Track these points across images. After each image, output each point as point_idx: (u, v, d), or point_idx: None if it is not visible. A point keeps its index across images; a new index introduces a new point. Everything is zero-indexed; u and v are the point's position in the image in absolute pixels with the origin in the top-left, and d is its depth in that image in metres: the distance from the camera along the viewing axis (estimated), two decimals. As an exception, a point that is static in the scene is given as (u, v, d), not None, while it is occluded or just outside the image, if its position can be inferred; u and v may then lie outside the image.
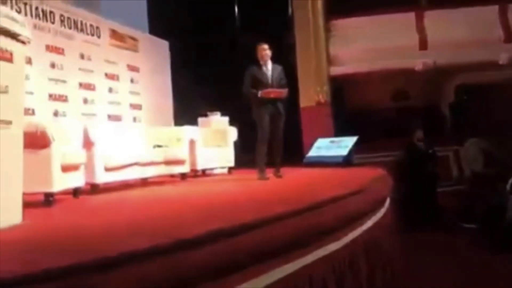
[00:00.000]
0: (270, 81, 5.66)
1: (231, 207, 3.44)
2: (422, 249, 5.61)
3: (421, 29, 8.61)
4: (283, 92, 5.68)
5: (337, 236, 3.20)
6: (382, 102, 9.23)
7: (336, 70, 8.97)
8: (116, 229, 2.62)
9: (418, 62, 8.58)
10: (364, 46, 8.60)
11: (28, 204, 3.38)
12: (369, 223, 3.92)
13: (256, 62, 5.78)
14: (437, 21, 8.44)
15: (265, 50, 5.71)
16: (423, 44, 8.57)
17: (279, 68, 5.82)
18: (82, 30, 6.69)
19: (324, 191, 4.00)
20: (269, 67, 5.73)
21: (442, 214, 7.23)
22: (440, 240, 6.33)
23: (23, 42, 2.75)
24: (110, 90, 7.11)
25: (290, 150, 7.23)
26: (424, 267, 4.91)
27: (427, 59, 8.55)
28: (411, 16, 8.65)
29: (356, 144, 7.61)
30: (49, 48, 6.05)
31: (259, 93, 5.56)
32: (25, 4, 5.71)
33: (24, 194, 2.94)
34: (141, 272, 1.86)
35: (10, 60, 2.63)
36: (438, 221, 7.03)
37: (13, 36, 2.67)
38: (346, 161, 7.37)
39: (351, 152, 7.55)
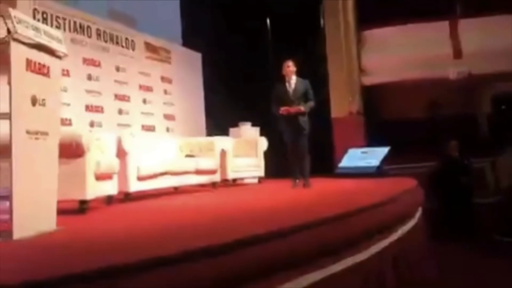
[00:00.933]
0: (291, 97, 5.89)
1: (257, 216, 3.49)
2: (455, 262, 5.48)
3: (455, 38, 8.46)
4: (301, 108, 5.84)
5: (365, 245, 3.20)
6: (415, 112, 9.09)
7: (368, 80, 8.92)
8: (148, 235, 2.72)
9: (452, 72, 8.43)
10: (397, 56, 8.52)
11: (63, 211, 3.53)
12: (398, 234, 3.90)
13: (282, 78, 6.02)
14: (472, 30, 8.28)
15: (289, 67, 5.95)
16: (458, 53, 8.41)
17: (304, 82, 5.98)
18: (117, 43, 6.92)
19: (353, 201, 4.00)
20: (292, 83, 5.94)
21: (478, 227, 7.04)
22: (474, 253, 6.17)
23: (59, 57, 2.90)
24: (144, 101, 7.30)
25: (322, 160, 7.22)
26: (456, 280, 4.80)
27: (461, 68, 8.38)
28: (445, 24, 8.51)
29: (388, 154, 7.52)
30: (86, 61, 6.28)
31: (280, 110, 5.83)
32: (64, 19, 5.97)
33: (59, 201, 3.08)
34: (172, 275, 1.94)
35: (47, 74, 2.77)
36: (473, 234, 6.84)
37: (51, 51, 2.81)
38: (378, 172, 7.30)
39: (383, 162, 7.48)
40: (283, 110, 5.81)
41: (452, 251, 6.11)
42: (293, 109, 5.81)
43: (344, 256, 2.94)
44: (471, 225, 7.05)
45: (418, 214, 4.96)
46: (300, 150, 5.84)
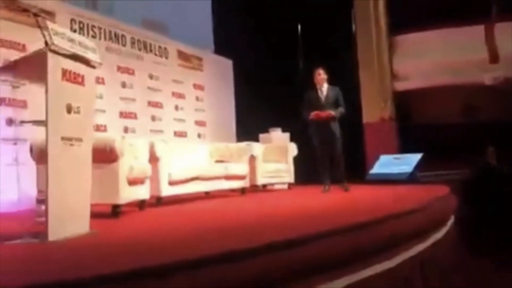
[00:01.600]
0: (322, 104, 6.02)
1: (284, 221, 3.52)
2: (487, 274, 5.32)
3: (491, 42, 8.25)
4: (332, 113, 5.95)
5: (393, 252, 3.18)
6: (450, 118, 8.89)
7: (400, 86, 8.81)
8: (179, 239, 2.80)
9: (488, 77, 8.23)
10: (430, 61, 8.40)
11: (97, 215, 3.65)
12: (428, 242, 3.84)
13: (313, 85, 6.16)
14: (509, 34, 8.06)
15: (320, 75, 6.10)
16: (494, 58, 8.20)
17: (335, 89, 6.11)
18: (151, 51, 7.10)
19: (382, 208, 3.98)
20: (324, 90, 6.09)
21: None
22: (509, 267, 5.97)
23: (93, 67, 3.02)
24: (176, 107, 7.45)
25: (354, 167, 7.17)
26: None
27: (498, 73, 8.17)
28: (480, 29, 8.32)
29: (421, 161, 7.40)
30: (121, 69, 6.47)
31: (310, 115, 5.94)
32: (100, 28, 6.18)
33: (93, 205, 3.19)
34: (200, 277, 2.00)
35: (82, 83, 2.89)
36: (509, 246, 6.62)
37: (85, 61, 2.93)
38: (410, 179, 7.19)
39: (415, 169, 7.36)
40: (313, 114, 5.92)
41: (485, 262, 5.94)
42: (323, 114, 5.92)
43: (372, 262, 2.94)
44: (508, 237, 6.84)
45: (450, 222, 4.86)
46: (334, 156, 5.98)
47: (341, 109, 6.02)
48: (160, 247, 2.54)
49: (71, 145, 2.81)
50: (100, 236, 2.96)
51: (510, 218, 7.04)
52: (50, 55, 2.64)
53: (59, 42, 2.68)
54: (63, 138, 2.74)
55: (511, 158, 7.52)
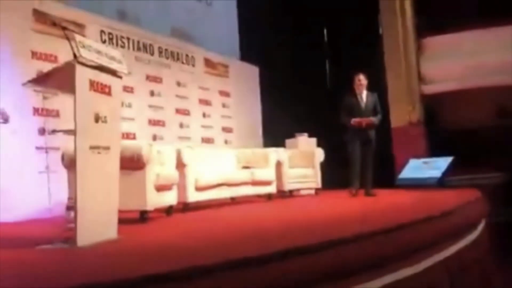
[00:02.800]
0: (362, 110, 6.12)
1: (312, 226, 3.53)
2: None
3: (523, 43, 8.04)
4: (374, 120, 6.08)
5: (419, 258, 3.15)
6: (481, 121, 8.69)
7: (428, 89, 8.68)
8: (206, 243, 2.85)
9: (520, 78, 8.01)
10: (458, 63, 8.24)
11: (125, 221, 3.75)
12: (456, 247, 3.77)
13: (352, 91, 6.23)
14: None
15: (361, 81, 6.17)
16: (524, 59, 7.99)
17: (374, 96, 6.24)
18: (178, 59, 7.23)
19: (409, 212, 3.95)
20: (363, 96, 6.18)
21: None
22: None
23: (119, 77, 3.12)
24: (204, 114, 7.56)
25: (382, 171, 7.11)
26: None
27: (530, 73, 7.95)
28: (508, 29, 8.12)
29: (451, 165, 7.26)
30: (149, 78, 6.62)
31: (351, 121, 6.01)
32: (128, 39, 6.34)
33: (121, 211, 3.28)
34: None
35: (109, 93, 2.99)
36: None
37: (112, 72, 3.04)
38: (440, 183, 7.06)
39: (445, 173, 7.22)
40: (355, 121, 6.00)
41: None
42: (365, 121, 6.02)
43: (397, 268, 2.93)
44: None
45: (480, 227, 4.76)
46: (367, 161, 6.08)
47: (380, 117, 6.17)
48: (187, 252, 2.60)
49: (99, 153, 2.90)
50: (127, 241, 3.04)
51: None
52: (78, 67, 2.74)
53: (87, 54, 2.78)
54: (91, 147, 2.84)
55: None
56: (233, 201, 6.16)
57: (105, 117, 2.94)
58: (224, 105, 8.02)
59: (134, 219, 4.09)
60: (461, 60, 8.35)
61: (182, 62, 7.31)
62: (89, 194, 2.79)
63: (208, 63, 7.82)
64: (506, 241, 6.04)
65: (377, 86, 8.46)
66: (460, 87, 8.43)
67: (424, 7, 8.59)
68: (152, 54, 6.74)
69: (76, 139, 2.72)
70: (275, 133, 8.17)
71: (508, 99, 8.67)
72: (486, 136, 8.17)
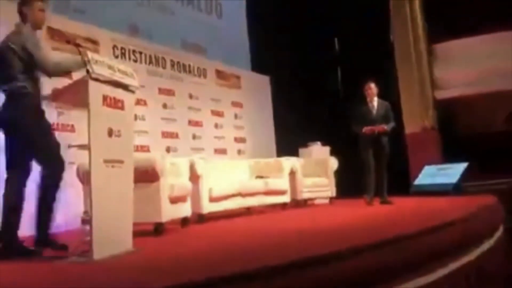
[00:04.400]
0: (374, 118, 6.12)
1: (330, 234, 3.52)
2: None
3: (535, 46, 7.97)
4: (386, 127, 6.06)
5: (434, 267, 3.12)
6: (495, 125, 8.60)
7: (441, 94, 8.62)
8: (222, 254, 2.87)
9: (533, 82, 7.93)
10: (471, 68, 8.19)
11: (140, 233, 3.78)
12: (473, 254, 3.73)
13: (363, 99, 6.25)
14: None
15: (371, 89, 6.19)
16: (539, 63, 7.91)
17: (385, 104, 6.24)
18: (190, 72, 7.30)
19: (426, 220, 3.92)
20: (374, 104, 6.19)
21: None
22: None
23: (132, 91, 3.17)
24: (216, 125, 7.60)
25: (397, 178, 7.06)
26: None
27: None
28: (523, 33, 8.07)
29: (467, 171, 7.18)
30: (161, 91, 6.69)
31: (363, 129, 6.02)
32: (140, 53, 6.43)
33: (136, 224, 3.31)
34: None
35: (122, 108, 3.04)
36: None
37: (124, 87, 3.09)
38: (456, 189, 6.99)
39: (461, 179, 7.14)
40: (367, 129, 6.01)
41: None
42: (378, 128, 6.02)
43: (415, 276, 2.91)
44: None
45: (498, 233, 4.70)
46: (380, 169, 6.09)
47: (392, 124, 6.15)
48: (202, 263, 2.61)
49: (113, 167, 2.94)
50: (142, 253, 3.07)
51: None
52: (91, 83, 2.80)
53: (99, 70, 2.84)
54: (105, 161, 2.88)
55: None
56: (248, 211, 6.16)
57: (118, 131, 2.99)
58: (236, 116, 8.06)
59: (149, 231, 4.12)
60: (474, 64, 8.30)
61: (194, 75, 7.37)
62: (104, 208, 2.83)
63: (219, 74, 7.89)
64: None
65: (390, 93, 8.46)
66: (474, 92, 8.37)
67: (435, 12, 8.55)
68: (164, 67, 6.82)
69: (90, 153, 2.77)
70: (288, 142, 8.18)
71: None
72: (500, 141, 8.08)
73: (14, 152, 3.16)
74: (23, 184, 3.17)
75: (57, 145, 3.25)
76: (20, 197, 3.13)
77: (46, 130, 3.26)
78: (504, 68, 7.95)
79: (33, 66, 3.13)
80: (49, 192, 3.15)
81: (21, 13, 3.25)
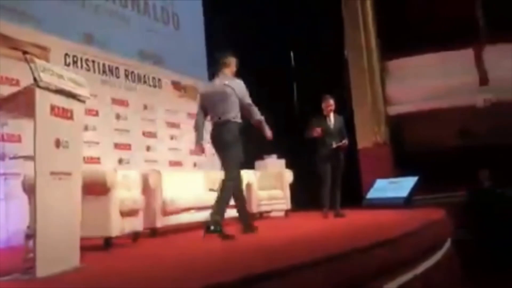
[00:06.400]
0: (332, 132, 6.23)
1: (282, 248, 3.50)
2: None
3: (480, 65, 8.39)
4: (346, 142, 6.23)
5: (383, 281, 3.16)
6: (444, 141, 8.94)
7: (393, 110, 8.91)
8: (170, 271, 2.78)
9: (479, 99, 8.33)
10: (422, 85, 8.53)
11: (89, 248, 3.64)
12: (422, 268, 3.81)
13: (320, 112, 6.33)
14: (497, 56, 8.22)
15: (331, 105, 6.30)
16: (484, 80, 8.34)
17: (340, 118, 6.38)
18: (145, 82, 7.18)
19: (374, 233, 3.97)
20: (331, 118, 6.31)
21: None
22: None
23: (82, 101, 3.06)
24: (172, 137, 7.49)
25: (349, 191, 7.17)
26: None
27: (488, 95, 8.28)
28: (469, 52, 8.47)
29: (417, 184, 7.40)
30: (115, 101, 6.54)
31: (333, 145, 6.13)
32: (93, 62, 6.27)
33: (84, 238, 3.18)
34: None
35: (71, 118, 2.93)
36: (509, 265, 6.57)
37: (74, 96, 2.98)
38: (406, 203, 7.17)
39: (411, 193, 7.35)
40: (317, 131, 6.03)
41: (487, 284, 5.88)
42: (343, 145, 6.18)
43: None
44: (507, 256, 6.79)
45: (446, 246, 4.84)
46: (336, 182, 6.18)
47: (346, 138, 6.28)
48: (150, 280, 2.53)
49: (60, 179, 2.82)
50: (89, 270, 2.94)
51: (504, 238, 7.02)
52: (38, 91, 2.68)
53: (47, 78, 2.72)
54: (51, 173, 2.75)
55: (504, 179, 7.54)
56: (203, 225, 6.05)
57: (66, 142, 2.87)
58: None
59: (99, 246, 3.98)
60: (424, 81, 8.63)
61: (149, 85, 7.26)
62: (49, 222, 2.70)
63: (176, 85, 7.80)
64: (471, 260, 6.16)
65: (344, 108, 8.64)
66: (424, 108, 8.69)
67: (388, 31, 8.86)
68: (118, 77, 6.67)
69: (35, 165, 2.64)
70: (244, 155, 8.14)
71: (469, 119, 8.98)
72: (450, 156, 8.41)
73: None
74: None
75: None
76: None
77: None
78: (454, 85, 8.31)
79: None
80: None
81: None
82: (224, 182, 4.48)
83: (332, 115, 6.32)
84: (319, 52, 8.89)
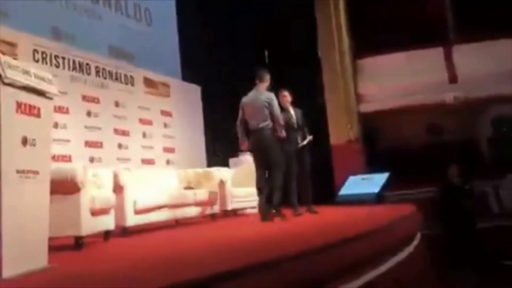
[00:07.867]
0: (294, 126, 6.13)
1: (250, 246, 3.51)
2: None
3: (450, 63, 8.59)
4: (311, 139, 6.23)
5: (355, 275, 3.20)
6: (415, 138, 9.12)
7: (365, 107, 9.03)
8: (142, 270, 2.75)
9: (448, 96, 8.52)
10: (393, 83, 8.67)
11: (59, 248, 3.58)
12: (392, 262, 3.88)
13: (280, 106, 6.10)
14: (466, 55, 8.43)
15: (286, 97, 6.22)
16: (453, 78, 8.54)
17: (299, 111, 6.29)
18: (116, 79, 7.08)
19: (347, 228, 4.02)
20: (291, 111, 6.21)
21: (482, 252, 6.95)
22: (480, 279, 6.09)
23: (50, 98, 3.00)
24: (144, 135, 7.41)
25: (322, 188, 7.24)
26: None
27: (457, 92, 8.48)
28: (439, 51, 8.66)
29: (388, 180, 7.53)
30: (85, 98, 6.43)
31: (299, 143, 6.09)
32: (63, 58, 6.15)
33: (56, 238, 3.12)
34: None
35: (38, 115, 2.86)
36: (477, 259, 6.75)
37: (41, 93, 2.91)
38: (378, 199, 7.29)
39: (383, 189, 7.47)
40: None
41: (457, 278, 6.03)
42: (309, 139, 6.18)
43: (339, 283, 2.96)
44: (476, 250, 6.98)
45: (416, 241, 4.94)
46: (304, 178, 6.13)
47: (311, 136, 6.25)
48: (120, 278, 2.50)
49: (27, 177, 2.75)
50: (57, 270, 2.88)
51: (473, 231, 7.23)
52: (3, 88, 2.60)
53: (13, 75, 2.65)
54: (18, 171, 2.68)
55: (473, 175, 7.74)
56: (176, 223, 6.03)
57: (33, 140, 2.80)
58: (166, 125, 7.91)
59: (69, 245, 3.91)
60: (396, 79, 8.77)
61: (121, 82, 7.16)
62: (16, 222, 2.63)
63: (148, 82, 7.72)
64: (440, 254, 6.31)
65: (317, 105, 8.74)
66: (395, 105, 8.83)
67: (360, 30, 8.98)
68: (88, 73, 6.56)
69: (1, 163, 2.57)
70: (219, 152, 8.15)
71: (437, 117, 9.18)
72: (419, 152, 8.58)
73: None
74: None
75: None
76: None
77: None
78: (424, 83, 8.48)
79: None
80: None
81: None
82: (275, 175, 5.46)
83: (291, 109, 6.19)
84: (293, 51, 8.94)
